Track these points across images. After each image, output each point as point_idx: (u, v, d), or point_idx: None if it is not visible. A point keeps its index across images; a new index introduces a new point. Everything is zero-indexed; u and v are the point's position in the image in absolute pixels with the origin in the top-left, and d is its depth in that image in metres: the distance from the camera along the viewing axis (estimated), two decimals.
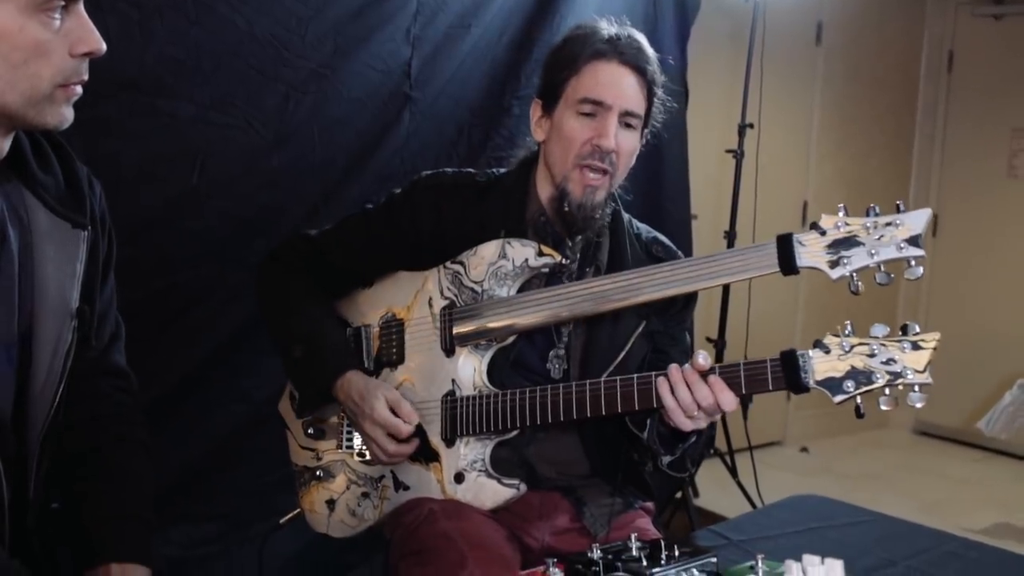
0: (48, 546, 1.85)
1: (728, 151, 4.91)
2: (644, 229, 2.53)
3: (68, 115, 1.67)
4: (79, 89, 1.67)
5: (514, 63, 3.84)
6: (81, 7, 1.63)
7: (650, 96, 2.35)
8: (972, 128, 7.01)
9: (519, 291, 2.29)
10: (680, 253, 2.54)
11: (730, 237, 4.90)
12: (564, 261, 2.31)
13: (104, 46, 1.65)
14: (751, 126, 4.90)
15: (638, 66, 2.30)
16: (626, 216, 2.49)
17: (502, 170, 2.52)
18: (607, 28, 2.34)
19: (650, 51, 2.35)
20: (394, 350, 2.43)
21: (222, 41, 3.07)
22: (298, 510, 2.58)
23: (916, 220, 1.91)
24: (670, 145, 4.49)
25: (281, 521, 2.65)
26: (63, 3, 1.58)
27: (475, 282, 2.29)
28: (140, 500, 1.92)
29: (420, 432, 2.31)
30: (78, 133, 2.55)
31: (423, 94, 3.60)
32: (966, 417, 5.95)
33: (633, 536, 1.96)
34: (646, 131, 2.40)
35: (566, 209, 2.29)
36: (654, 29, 4.28)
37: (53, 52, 1.59)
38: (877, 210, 1.94)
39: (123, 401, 1.98)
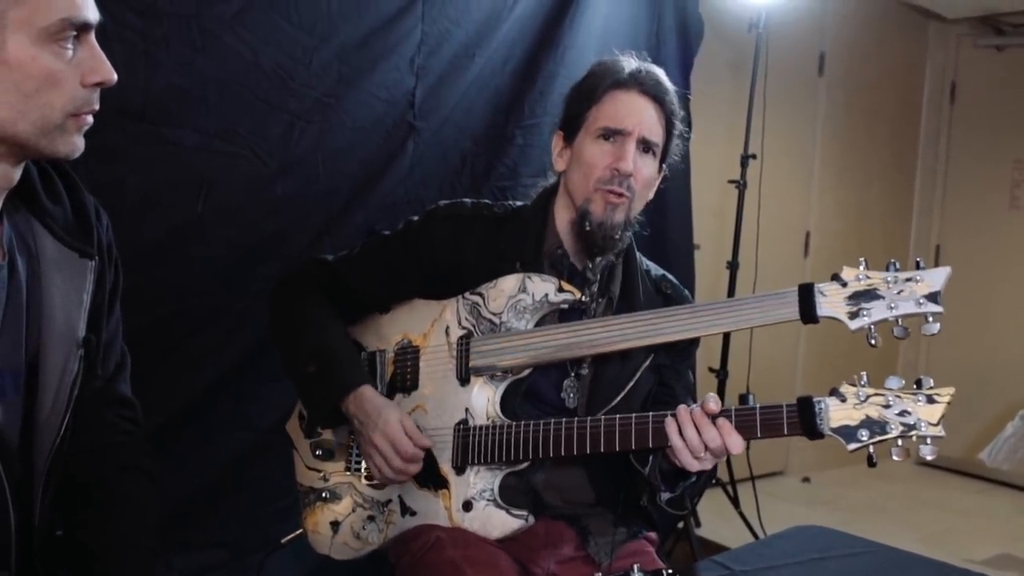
0: (52, 572, 1.85)
1: (731, 181, 4.92)
2: (653, 266, 2.57)
3: (79, 144, 1.69)
4: (90, 119, 1.68)
5: (518, 93, 3.86)
6: (93, 38, 1.64)
7: (668, 127, 2.39)
8: (974, 159, 7.03)
9: (536, 325, 2.31)
10: (687, 292, 2.57)
11: (732, 267, 4.90)
12: (584, 299, 2.32)
13: (115, 76, 1.66)
14: (754, 157, 4.91)
15: (657, 96, 2.35)
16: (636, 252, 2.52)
17: (518, 203, 2.54)
18: (628, 63, 2.39)
19: (669, 84, 2.39)
20: (408, 376, 2.43)
21: (227, 70, 3.09)
22: (300, 531, 2.57)
23: (936, 277, 1.96)
24: (673, 175, 4.49)
25: (283, 540, 2.64)
26: (75, 33, 1.59)
27: (494, 314, 2.31)
28: (144, 529, 1.91)
29: (430, 459, 2.31)
30: (83, 161, 2.56)
31: (427, 123, 3.61)
32: (968, 448, 5.91)
33: (635, 566, 1.96)
34: (664, 164, 2.44)
35: (587, 228, 2.30)
36: (657, 58, 4.26)
37: (65, 82, 1.60)
38: (897, 265, 1.99)
39: (128, 430, 1.99)
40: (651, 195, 2.44)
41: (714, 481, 4.90)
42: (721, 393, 4.84)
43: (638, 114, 2.33)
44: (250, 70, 3.13)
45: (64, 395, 1.77)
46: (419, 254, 2.42)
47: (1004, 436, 5.00)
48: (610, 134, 2.32)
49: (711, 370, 4.92)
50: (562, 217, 2.42)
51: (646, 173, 2.36)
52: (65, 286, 1.76)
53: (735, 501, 4.91)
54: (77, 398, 1.79)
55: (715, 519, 5.08)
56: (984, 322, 6.71)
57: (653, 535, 2.53)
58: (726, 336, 4.93)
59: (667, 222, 4.49)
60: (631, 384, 2.37)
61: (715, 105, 5.43)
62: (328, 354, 2.39)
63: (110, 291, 1.90)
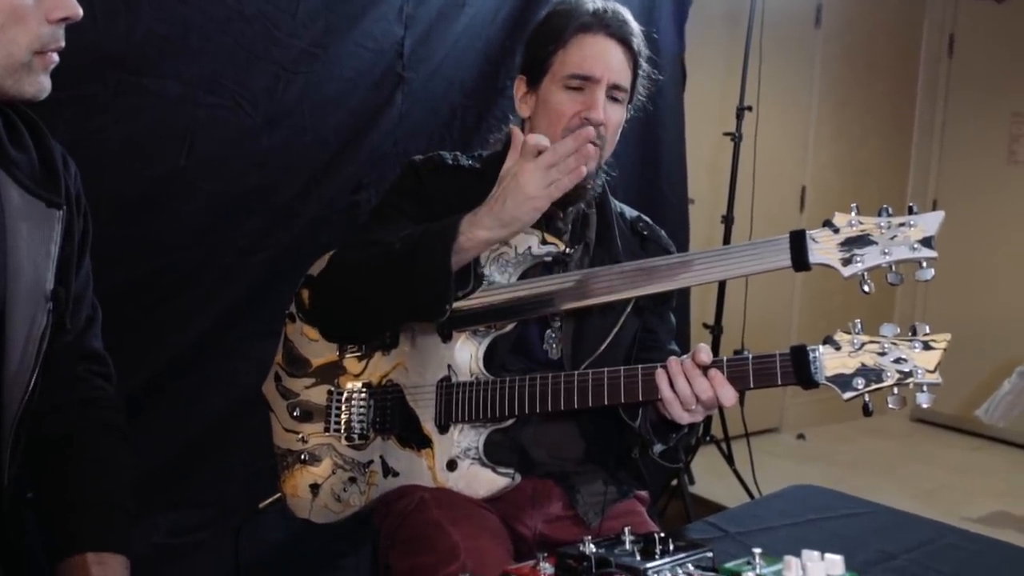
0: (22, 534, 1.81)
1: (726, 134, 4.88)
2: (626, 208, 2.54)
3: (46, 84, 1.65)
4: (56, 57, 1.64)
5: (509, 43, 3.78)
6: None
7: (635, 69, 2.33)
8: (972, 113, 6.98)
9: (520, 278, 2.24)
10: (662, 232, 2.54)
11: (727, 222, 4.87)
12: (568, 251, 2.27)
13: (80, 11, 1.63)
14: (749, 109, 4.87)
15: (624, 39, 2.29)
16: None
17: (486, 153, 2.48)
18: (591, 2, 2.32)
19: (634, 24, 2.33)
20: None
21: (211, 19, 3.02)
22: (279, 495, 2.52)
23: (930, 222, 1.91)
24: (667, 128, 4.46)
25: (260, 505, 2.59)
26: None
27: None
28: (117, 488, 1.87)
29: (412, 417, 2.27)
30: (63, 112, 2.51)
31: (416, 74, 3.55)
32: (964, 405, 5.92)
33: (626, 529, 1.92)
34: (630, 105, 2.38)
35: None
36: (652, 10, 4.25)
37: (30, 18, 1.57)
38: (890, 210, 1.93)
39: (100, 386, 1.94)
40: (617, 136, 2.37)
41: (708, 438, 4.87)
42: (716, 350, 4.81)
43: (607, 59, 2.26)
44: (233, 18, 3.06)
45: (32, 350, 1.72)
46: (420, 201, 2.33)
47: (1001, 393, 5.00)
48: (579, 83, 2.26)
49: (705, 326, 4.90)
50: None
51: (615, 119, 2.30)
52: (32, 237, 1.71)
53: (729, 458, 4.89)
54: (46, 353, 1.75)
55: (709, 476, 5.06)
56: (981, 278, 6.68)
57: (644, 494, 2.50)
58: (720, 292, 4.91)
59: (661, 176, 4.47)
60: (617, 328, 2.33)
61: (710, 57, 5.37)
62: (413, 234, 2.12)
63: (79, 242, 1.86)
